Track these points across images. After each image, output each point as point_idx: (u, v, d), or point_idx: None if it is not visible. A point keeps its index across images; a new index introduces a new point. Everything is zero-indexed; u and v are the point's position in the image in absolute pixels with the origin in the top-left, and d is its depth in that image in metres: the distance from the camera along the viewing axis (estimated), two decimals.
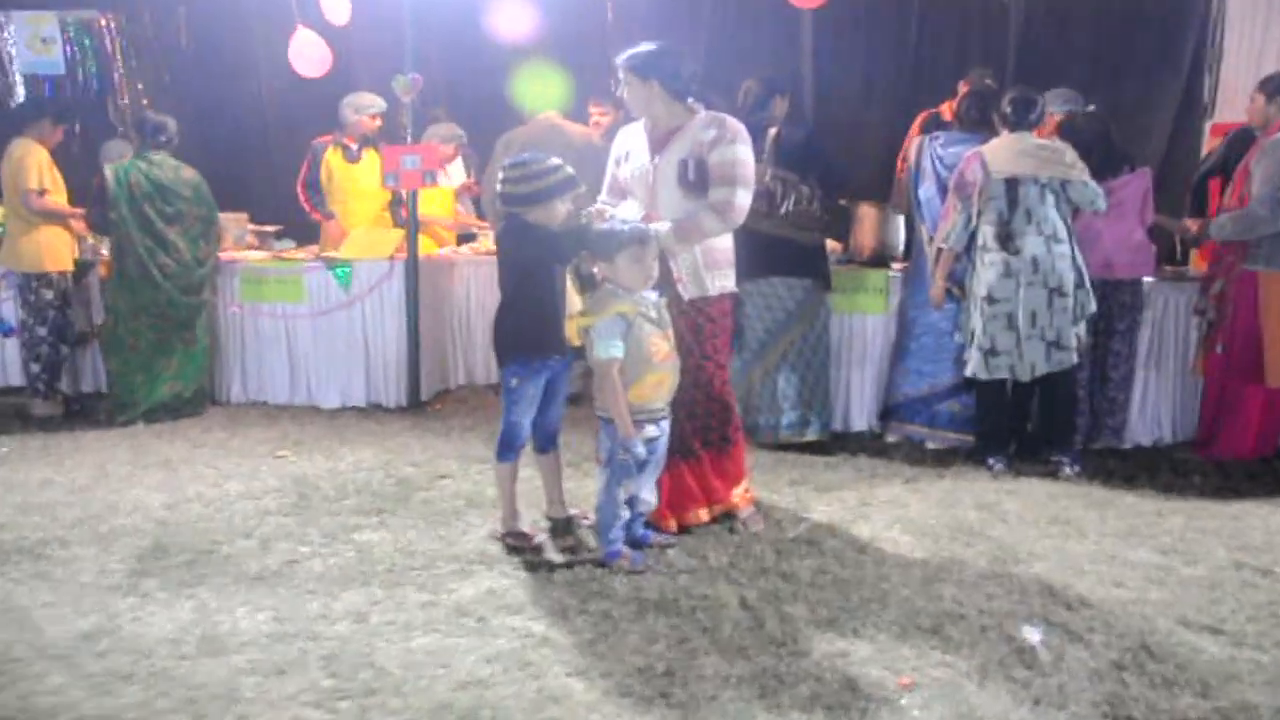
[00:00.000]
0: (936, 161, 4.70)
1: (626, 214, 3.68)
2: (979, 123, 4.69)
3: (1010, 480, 4.39)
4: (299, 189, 6.59)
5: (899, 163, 5.96)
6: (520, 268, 3.44)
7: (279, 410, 5.70)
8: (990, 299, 4.37)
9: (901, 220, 5.25)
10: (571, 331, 3.45)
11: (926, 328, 4.81)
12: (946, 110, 5.97)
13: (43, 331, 5.45)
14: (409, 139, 5.56)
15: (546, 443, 3.73)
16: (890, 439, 5.02)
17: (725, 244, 3.66)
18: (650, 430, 3.32)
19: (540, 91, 5.85)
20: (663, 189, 3.57)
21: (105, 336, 5.44)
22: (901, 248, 5.29)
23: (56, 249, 5.40)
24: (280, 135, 7.78)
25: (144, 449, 4.91)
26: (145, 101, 7.03)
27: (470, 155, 7.34)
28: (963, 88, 5.33)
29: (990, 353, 4.40)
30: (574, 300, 3.50)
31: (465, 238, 7.02)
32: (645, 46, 3.58)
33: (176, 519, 3.89)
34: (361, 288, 5.64)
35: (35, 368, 5.51)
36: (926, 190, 4.74)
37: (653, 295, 3.34)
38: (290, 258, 5.80)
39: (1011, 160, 4.29)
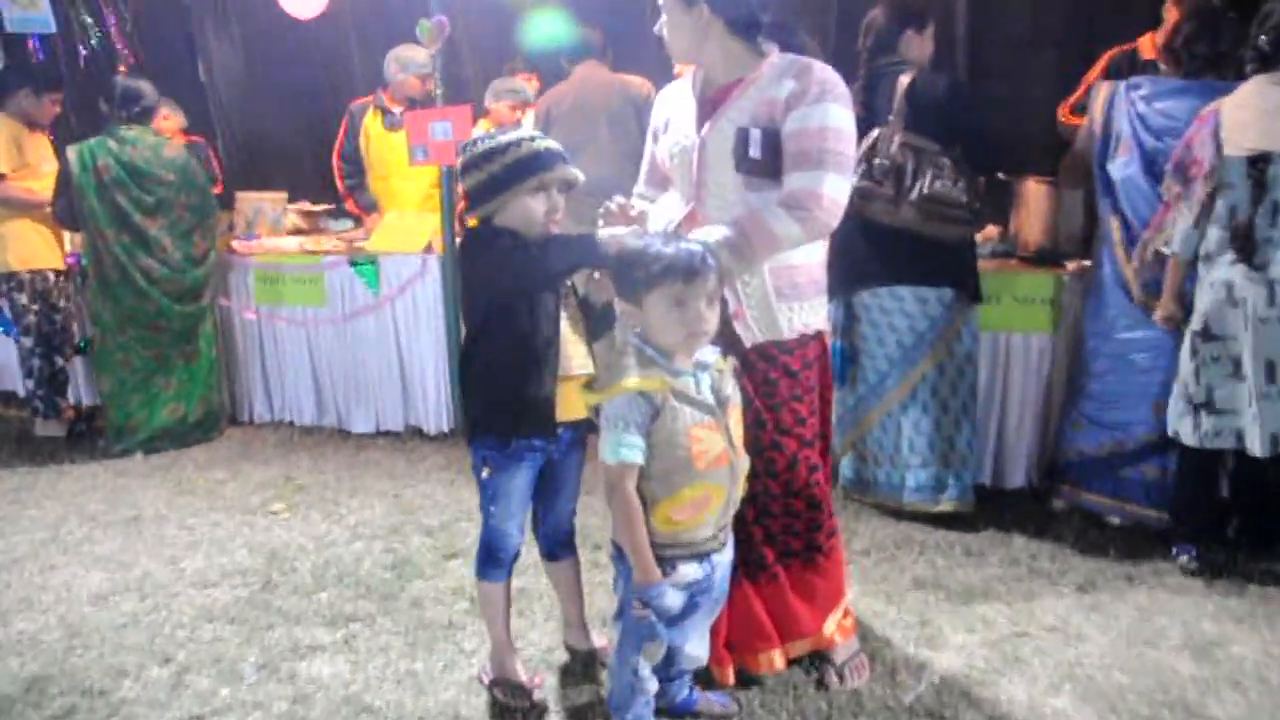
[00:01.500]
0: (1137, 124, 3.28)
1: (665, 214, 2.52)
2: (1208, 62, 3.24)
3: (1236, 595, 3.01)
4: (334, 159, 5.66)
5: (1061, 114, 4.51)
6: (486, 297, 2.32)
7: (302, 436, 4.81)
8: (1205, 333, 3.03)
9: (1080, 201, 3.86)
10: (573, 401, 2.32)
11: (1114, 361, 3.44)
12: (1146, 46, 4.45)
13: (29, 343, 4.68)
14: (438, 100, 4.49)
15: (556, 548, 2.64)
16: (1056, 505, 3.70)
17: (811, 258, 2.45)
18: (689, 571, 2.15)
19: (563, 34, 4.71)
20: (712, 174, 2.38)
21: (95, 353, 4.62)
22: (1075, 242, 3.89)
23: (29, 244, 4.58)
24: (331, 94, 6.81)
25: (121, 495, 4.07)
26: (123, 67, 6.10)
27: None
28: (1173, 12, 3.82)
29: (1206, 409, 3.05)
30: (571, 349, 2.37)
31: None
32: None
33: (94, 623, 2.99)
34: (391, 288, 4.65)
35: (29, 384, 4.77)
36: (1123, 165, 3.32)
37: (710, 353, 2.16)
38: (314, 251, 4.85)
39: (1263, 124, 2.88)
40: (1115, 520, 3.53)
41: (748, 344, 2.38)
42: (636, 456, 2.03)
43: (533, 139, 2.30)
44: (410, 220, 4.79)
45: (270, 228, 5.55)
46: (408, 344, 4.68)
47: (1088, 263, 3.73)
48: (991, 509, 3.69)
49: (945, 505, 3.59)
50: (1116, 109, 3.33)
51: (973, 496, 3.62)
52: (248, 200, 5.63)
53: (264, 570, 3.32)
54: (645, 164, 2.71)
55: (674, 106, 2.54)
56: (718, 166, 2.36)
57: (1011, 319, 3.78)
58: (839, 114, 2.29)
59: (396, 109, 5.36)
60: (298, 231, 5.81)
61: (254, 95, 6.98)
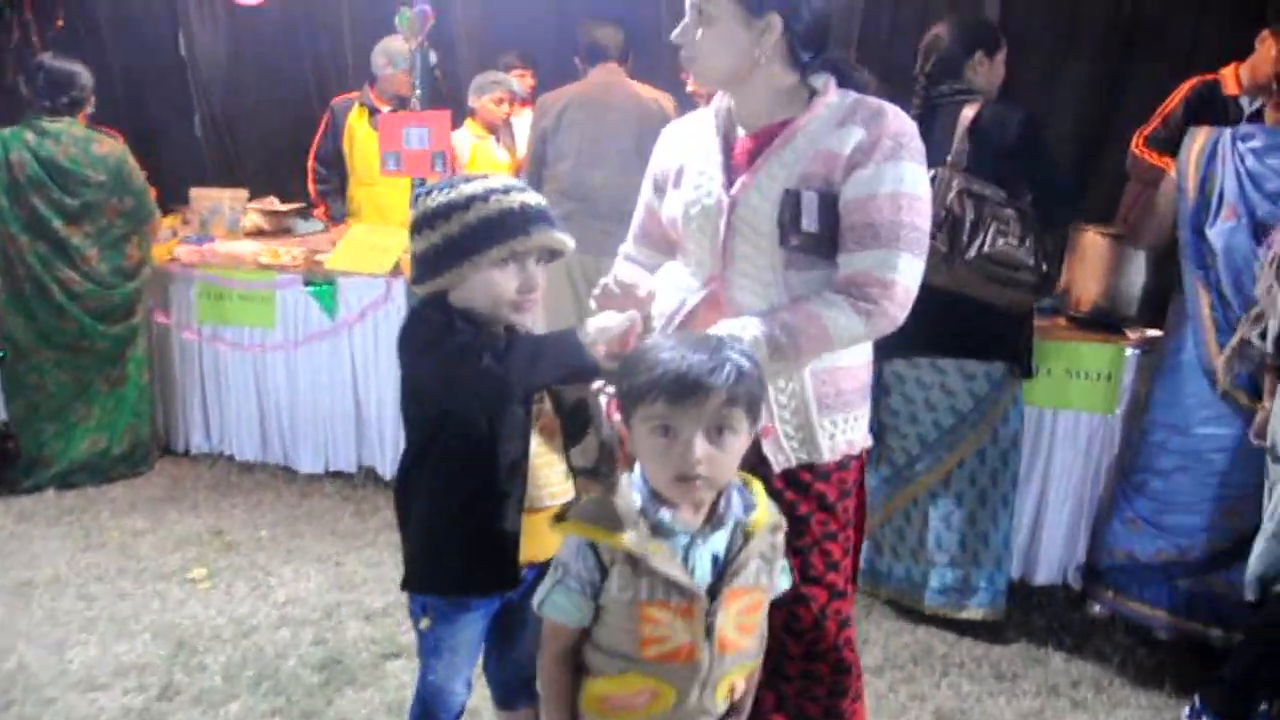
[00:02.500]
0: (1247, 183, 2.73)
1: (674, 292, 1.96)
2: None
3: None
4: (309, 160, 5.11)
5: (1136, 146, 3.92)
6: (431, 408, 1.77)
7: (241, 474, 4.24)
8: (1273, 452, 2.53)
9: (1144, 260, 3.33)
10: (543, 538, 1.77)
11: (1185, 459, 2.91)
12: (1230, 79, 3.92)
13: None
14: (416, 102, 3.94)
15: (512, 695, 2.08)
16: (1094, 610, 3.18)
17: (859, 357, 1.92)
18: None
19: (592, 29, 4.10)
20: (744, 247, 1.83)
21: (4, 373, 4.04)
22: (1136, 305, 3.36)
23: None
24: (318, 83, 6.24)
25: (18, 547, 3.51)
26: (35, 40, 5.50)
27: None
28: (1270, 43, 3.27)
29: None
30: (544, 473, 1.83)
31: None
32: None
33: None
34: (350, 313, 4.10)
35: None
36: (1227, 232, 2.76)
37: (757, 509, 1.54)
38: (267, 266, 4.28)
39: None
40: (1164, 635, 3.04)
41: (777, 469, 1.85)
42: (569, 618, 1.49)
43: (506, 190, 1.71)
44: (378, 237, 4.23)
45: (227, 229, 5.00)
46: (365, 376, 4.13)
47: (1151, 332, 3.22)
48: (1020, 611, 3.19)
49: (972, 612, 3.07)
50: (1220, 162, 2.77)
51: (1004, 603, 3.10)
52: (204, 198, 5.08)
53: (166, 667, 2.78)
54: (638, 218, 2.12)
55: (688, 151, 1.95)
56: (753, 237, 1.81)
57: (1061, 394, 3.24)
58: (916, 176, 1.76)
59: (385, 108, 4.81)
60: (258, 233, 5.29)
61: (237, 77, 6.44)
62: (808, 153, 1.78)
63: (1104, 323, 3.32)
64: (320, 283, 4.09)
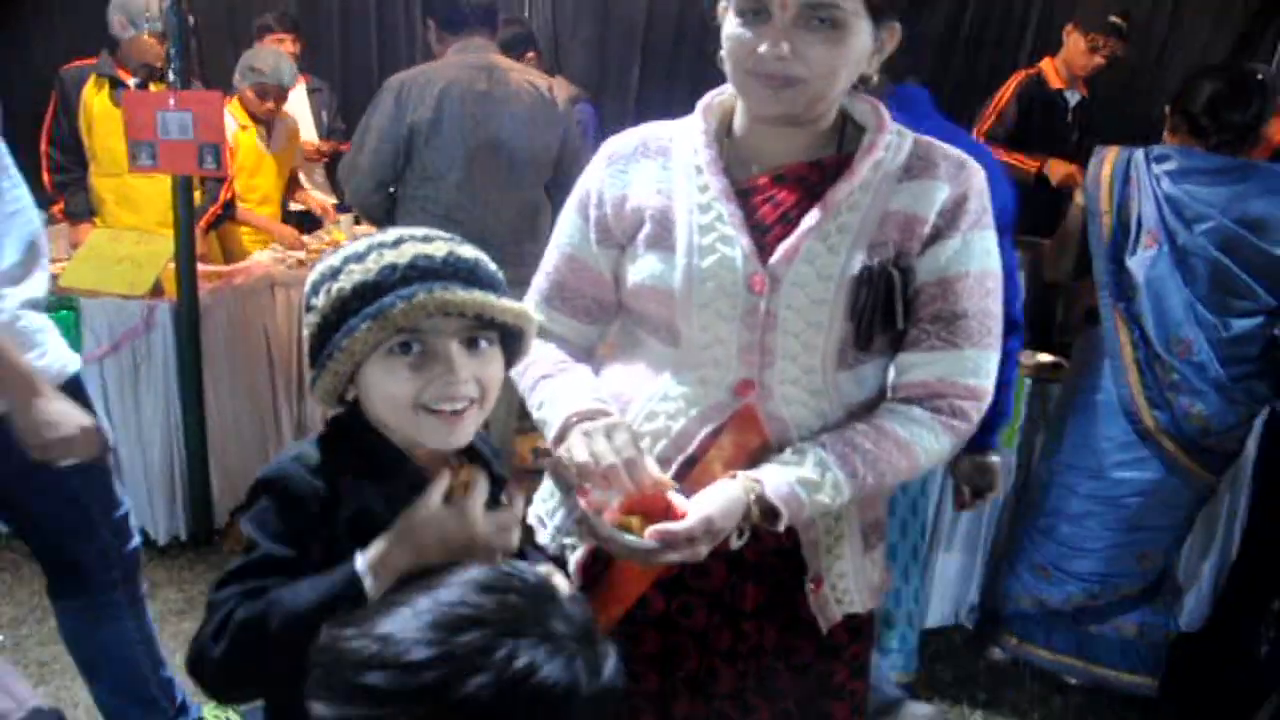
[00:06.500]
0: (1165, 208, 2.49)
1: (660, 405, 1.39)
2: (1240, 134, 2.51)
3: None
4: (43, 145, 4.08)
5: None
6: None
7: None
8: None
9: (1022, 275, 3.12)
10: None
11: (1098, 501, 2.71)
12: (1051, 73, 4.02)
13: None
14: (173, 75, 3.13)
15: None
16: (995, 655, 3.02)
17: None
18: None
19: None
20: (790, 343, 1.33)
21: None
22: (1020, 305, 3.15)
23: None
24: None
25: None
26: None
27: (324, 95, 4.95)
28: (1075, 36, 3.30)
29: None
30: None
31: (311, 223, 4.65)
32: None
33: None
34: (99, 344, 3.26)
35: None
36: (1149, 262, 2.53)
37: None
38: None
39: None
40: (1073, 681, 2.91)
41: (825, 628, 1.42)
42: None
43: (398, 242, 1.09)
44: (128, 245, 3.37)
45: None
46: (124, 421, 3.32)
47: (1042, 356, 3.04)
48: (925, 663, 2.96)
49: None
50: (1135, 185, 2.54)
51: (916, 663, 2.85)
52: None
53: None
54: (554, 270, 1.48)
55: (668, 188, 1.36)
56: (801, 328, 1.32)
57: None
58: (996, 248, 1.36)
59: (132, 80, 3.85)
60: None
61: None
62: (874, 213, 1.31)
63: None
64: (56, 307, 3.22)
